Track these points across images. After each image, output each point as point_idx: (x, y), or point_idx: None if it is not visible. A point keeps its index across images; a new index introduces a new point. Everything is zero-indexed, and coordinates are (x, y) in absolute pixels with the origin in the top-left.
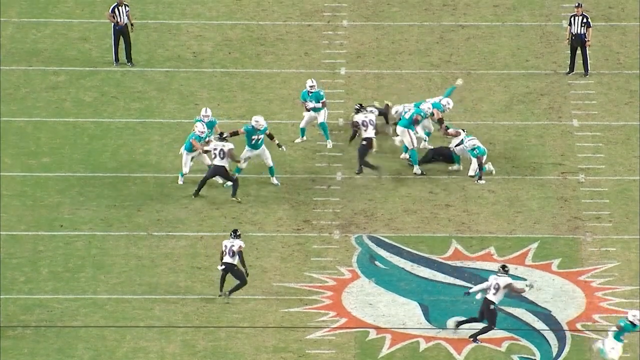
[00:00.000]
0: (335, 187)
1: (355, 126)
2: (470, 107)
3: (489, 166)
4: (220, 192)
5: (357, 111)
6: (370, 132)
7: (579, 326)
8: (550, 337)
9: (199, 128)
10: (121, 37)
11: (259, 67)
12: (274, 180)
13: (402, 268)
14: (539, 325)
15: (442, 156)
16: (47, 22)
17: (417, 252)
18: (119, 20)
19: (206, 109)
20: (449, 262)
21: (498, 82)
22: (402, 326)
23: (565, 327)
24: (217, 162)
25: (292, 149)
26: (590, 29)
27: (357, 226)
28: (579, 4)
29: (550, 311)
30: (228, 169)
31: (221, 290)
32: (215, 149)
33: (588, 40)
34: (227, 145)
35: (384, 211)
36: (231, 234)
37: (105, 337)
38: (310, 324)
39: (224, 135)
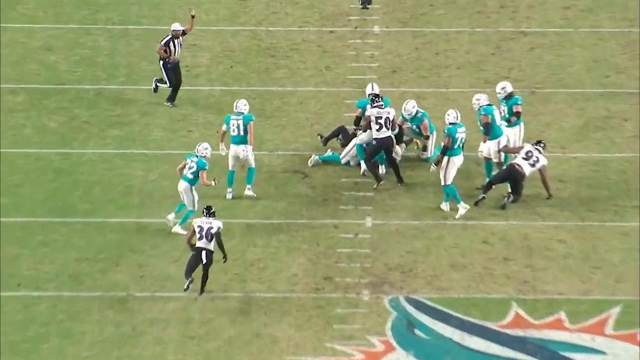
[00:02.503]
0: (365, 235)
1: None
2: (535, 134)
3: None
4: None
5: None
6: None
7: None
8: None
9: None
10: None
11: (268, 85)
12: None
13: (449, 338)
14: None
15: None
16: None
17: (468, 318)
18: (172, 56)
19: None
20: (508, 331)
21: (570, 103)
22: None
23: None
24: (384, 134)
25: (312, 187)
26: None
27: (392, 285)
28: None
29: None
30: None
31: (188, 279)
32: (379, 117)
33: None
34: (392, 112)
35: (425, 266)
36: (204, 212)
37: None
38: None
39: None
